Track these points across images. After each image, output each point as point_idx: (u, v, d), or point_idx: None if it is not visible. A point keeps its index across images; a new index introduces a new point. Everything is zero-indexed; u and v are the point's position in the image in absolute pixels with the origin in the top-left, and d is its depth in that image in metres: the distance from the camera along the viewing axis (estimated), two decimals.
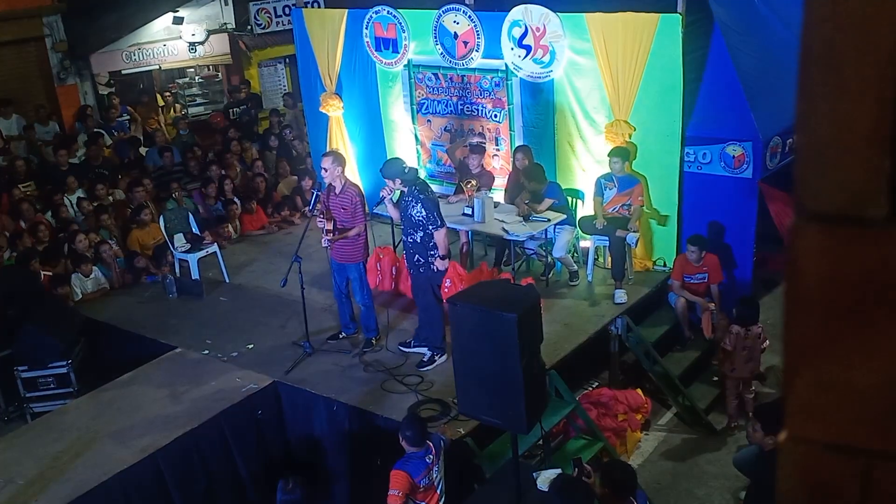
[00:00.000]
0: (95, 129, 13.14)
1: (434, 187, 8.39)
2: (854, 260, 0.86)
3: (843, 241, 0.86)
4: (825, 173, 0.87)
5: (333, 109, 11.04)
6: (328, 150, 10.17)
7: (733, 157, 8.35)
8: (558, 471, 5.63)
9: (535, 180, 8.71)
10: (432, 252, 7.28)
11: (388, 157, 8.54)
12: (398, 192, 7.48)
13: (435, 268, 7.32)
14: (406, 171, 7.34)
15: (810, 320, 0.90)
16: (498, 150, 9.84)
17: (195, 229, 9.99)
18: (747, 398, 7.94)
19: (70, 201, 10.67)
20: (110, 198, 11.04)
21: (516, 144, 9.43)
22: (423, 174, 10.07)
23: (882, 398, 0.88)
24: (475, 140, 9.81)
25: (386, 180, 7.36)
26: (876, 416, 0.88)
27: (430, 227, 7.17)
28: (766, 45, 8.77)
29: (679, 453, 7.83)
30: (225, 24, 15.65)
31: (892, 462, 0.89)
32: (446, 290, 7.92)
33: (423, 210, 7.15)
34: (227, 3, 15.61)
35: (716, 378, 8.58)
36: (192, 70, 16.07)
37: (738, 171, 8.36)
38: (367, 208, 7.71)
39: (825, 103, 0.85)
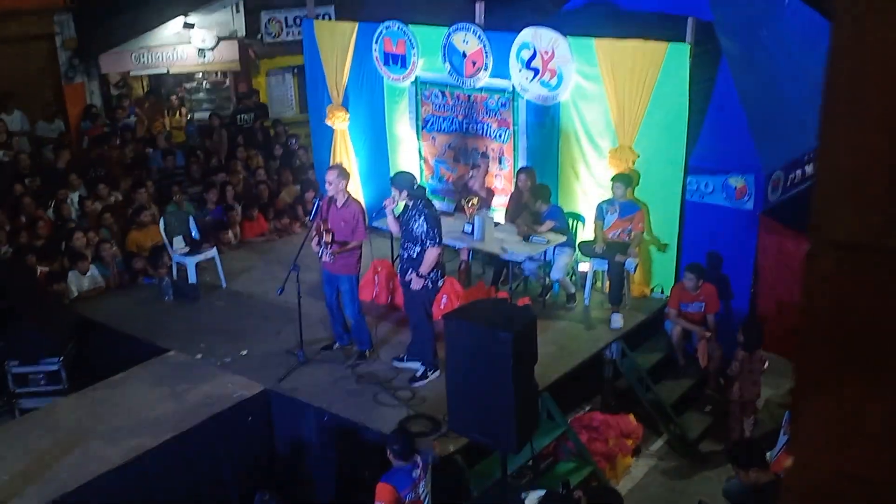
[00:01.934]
0: (104, 131, 13.16)
1: (435, 203, 8.41)
2: (870, 289, 0.86)
3: (860, 270, 0.86)
4: (845, 202, 0.87)
5: (339, 122, 11.07)
6: (333, 163, 10.20)
7: (735, 188, 8.38)
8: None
9: (541, 199, 8.73)
10: (430, 272, 7.28)
11: (395, 172, 8.57)
12: (401, 206, 7.48)
13: (411, 281, 7.30)
14: (415, 186, 7.38)
15: (823, 348, 0.90)
16: (501, 169, 9.87)
17: (195, 233, 9.99)
18: (746, 426, 7.93)
19: (72, 199, 10.68)
20: (112, 198, 11.05)
21: (519, 165, 9.46)
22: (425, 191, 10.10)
23: (891, 429, 0.87)
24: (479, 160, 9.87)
25: (393, 190, 7.37)
26: (884, 448, 0.88)
27: (427, 243, 7.18)
28: (771, 79, 8.82)
29: (668, 481, 7.80)
30: (235, 31, 15.72)
31: None
32: (442, 306, 7.92)
33: (424, 224, 7.16)
34: (238, 11, 15.69)
35: (708, 407, 8.56)
36: (200, 75, 16.12)
37: (740, 202, 8.39)
38: (367, 223, 7.71)
39: (848, 133, 0.86)
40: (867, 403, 0.89)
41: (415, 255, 7.28)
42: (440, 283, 7.53)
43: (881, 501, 0.90)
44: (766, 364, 7.81)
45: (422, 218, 7.18)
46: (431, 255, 7.19)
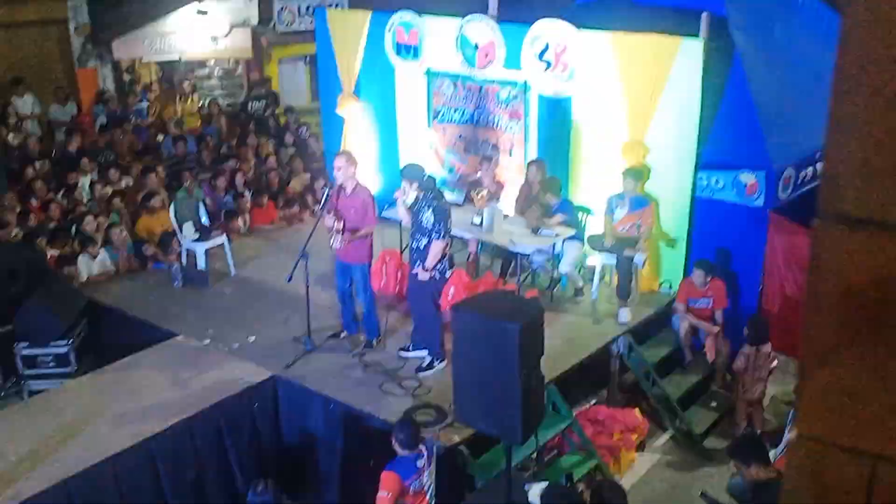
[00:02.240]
0: (118, 115, 13.20)
1: (445, 194, 8.41)
2: (874, 262, 0.87)
3: (866, 245, 0.87)
4: (853, 177, 0.87)
5: (350, 111, 11.07)
6: (342, 150, 10.20)
7: (746, 184, 8.35)
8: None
9: (551, 191, 8.73)
10: (437, 263, 7.29)
11: (405, 163, 8.56)
12: (413, 196, 7.48)
13: (417, 274, 7.32)
14: (425, 177, 7.38)
15: (829, 319, 0.91)
16: (511, 161, 9.85)
17: (205, 219, 10.02)
18: (756, 421, 7.93)
19: (83, 183, 10.72)
20: (122, 182, 11.09)
21: (530, 158, 9.45)
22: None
23: (893, 404, 0.88)
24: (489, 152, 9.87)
25: (403, 182, 7.37)
26: (886, 422, 0.89)
27: (433, 236, 7.19)
28: (785, 76, 8.78)
29: (672, 476, 7.80)
30: (248, 19, 15.72)
31: None
32: (450, 297, 7.92)
33: (431, 217, 7.17)
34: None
35: (714, 403, 8.56)
36: (213, 62, 16.14)
37: (750, 199, 8.36)
38: (377, 211, 7.72)
39: (857, 109, 0.86)
40: (872, 377, 0.90)
41: (422, 247, 7.29)
42: (448, 275, 7.54)
43: (883, 476, 0.91)
44: (776, 362, 7.80)
45: (430, 210, 7.18)
46: (437, 248, 7.20)
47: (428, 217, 7.19)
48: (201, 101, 15.46)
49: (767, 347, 7.72)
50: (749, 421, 8.00)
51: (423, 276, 7.28)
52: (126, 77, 14.97)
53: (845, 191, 0.89)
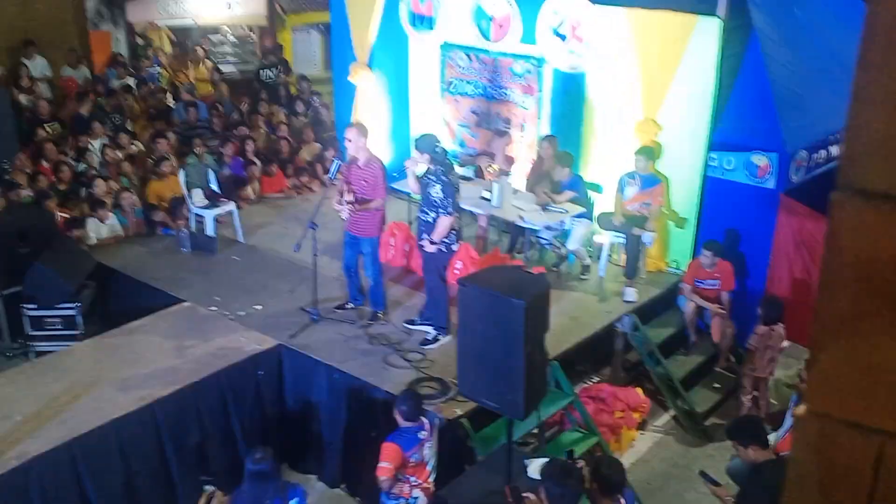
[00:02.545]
0: (125, 81, 13.16)
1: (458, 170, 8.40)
2: (893, 237, 0.86)
3: (884, 219, 0.87)
4: (874, 151, 0.86)
5: (363, 80, 11.02)
6: (353, 121, 10.17)
7: (758, 166, 8.30)
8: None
9: (563, 163, 8.68)
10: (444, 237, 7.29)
11: (417, 134, 8.53)
12: (423, 168, 7.45)
13: (423, 248, 7.31)
14: (437, 149, 7.34)
15: (844, 294, 0.90)
16: (523, 136, 9.81)
17: (215, 186, 10.02)
18: (762, 403, 7.94)
19: (94, 146, 10.72)
20: (133, 147, 11.09)
21: (542, 133, 9.40)
22: None
23: None
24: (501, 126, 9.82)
25: (415, 152, 7.35)
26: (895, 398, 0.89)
27: (441, 211, 7.17)
28: (803, 58, 8.68)
29: (673, 456, 7.83)
30: None
31: None
32: (457, 271, 7.92)
33: (441, 192, 7.14)
34: None
35: (717, 385, 8.57)
36: (226, 28, 16.06)
37: (762, 180, 8.31)
38: (387, 183, 7.69)
39: (881, 84, 0.85)
40: (884, 352, 0.89)
41: (430, 221, 7.27)
42: (454, 248, 7.52)
43: (892, 454, 0.91)
44: (787, 343, 7.78)
45: (439, 185, 7.16)
46: (444, 223, 7.18)
47: (437, 191, 7.17)
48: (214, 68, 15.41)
49: (780, 328, 7.69)
50: (754, 399, 8.01)
51: (430, 248, 7.28)
52: (139, 41, 14.92)
53: (865, 165, 0.88)
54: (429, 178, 7.28)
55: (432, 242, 7.25)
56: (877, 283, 0.88)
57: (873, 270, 0.88)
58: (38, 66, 12.97)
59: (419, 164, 7.41)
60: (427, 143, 7.34)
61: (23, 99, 12.10)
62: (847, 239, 0.90)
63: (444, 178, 7.20)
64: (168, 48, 15.30)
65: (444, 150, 7.63)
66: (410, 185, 7.72)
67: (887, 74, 0.86)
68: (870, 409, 0.91)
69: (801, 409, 0.97)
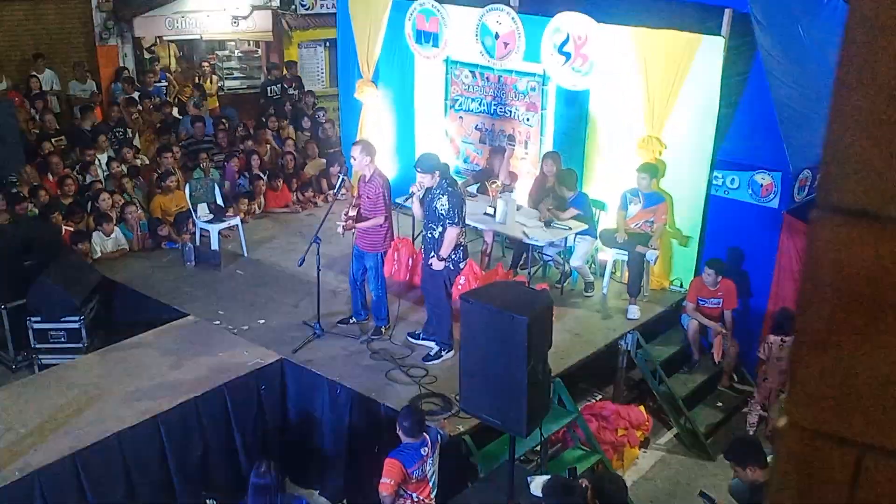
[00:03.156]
0: (131, 95, 13.23)
1: (459, 182, 8.42)
2: (871, 255, 0.88)
3: (862, 237, 0.89)
4: (852, 169, 0.89)
5: (368, 96, 11.08)
6: (359, 138, 10.21)
7: (761, 185, 8.32)
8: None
9: (566, 185, 8.70)
10: (452, 252, 7.28)
11: (421, 151, 8.56)
12: (428, 184, 7.42)
13: (431, 265, 7.31)
14: (441, 164, 7.36)
15: (823, 310, 0.92)
16: (526, 153, 9.85)
17: (220, 201, 10.06)
18: (771, 411, 7.93)
19: (99, 160, 10.78)
20: (137, 161, 11.14)
21: (546, 150, 9.43)
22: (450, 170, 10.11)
23: (882, 394, 0.90)
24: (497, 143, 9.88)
25: (422, 175, 7.25)
26: (874, 411, 0.91)
27: (448, 222, 7.17)
28: (806, 77, 8.71)
29: (675, 475, 7.81)
30: (270, 1, 15.71)
31: (884, 456, 0.91)
32: (460, 287, 7.93)
33: (447, 203, 7.14)
34: None
35: (720, 404, 8.56)
36: (233, 43, 16.15)
37: (765, 199, 8.33)
38: (390, 200, 7.69)
39: (859, 98, 0.87)
40: (862, 366, 0.91)
41: (437, 236, 7.27)
42: (462, 265, 7.52)
43: (869, 466, 0.92)
44: None
45: (445, 196, 7.17)
46: (451, 234, 7.17)
47: (443, 203, 7.16)
48: (220, 83, 15.50)
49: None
50: (761, 418, 8.02)
51: (438, 265, 7.27)
52: (147, 55, 15.01)
53: (844, 182, 0.90)
54: (433, 193, 7.28)
55: (441, 259, 7.24)
56: (855, 298, 0.91)
57: (851, 286, 0.91)
58: (47, 79, 13.05)
59: (424, 187, 7.36)
60: (430, 162, 7.32)
61: (33, 112, 12.16)
62: (826, 256, 0.92)
63: (449, 189, 7.21)
64: (175, 63, 15.39)
65: (447, 166, 7.64)
66: (414, 211, 7.66)
67: (864, 95, 0.88)
68: (848, 422, 0.93)
69: (782, 421, 0.99)
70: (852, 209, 0.90)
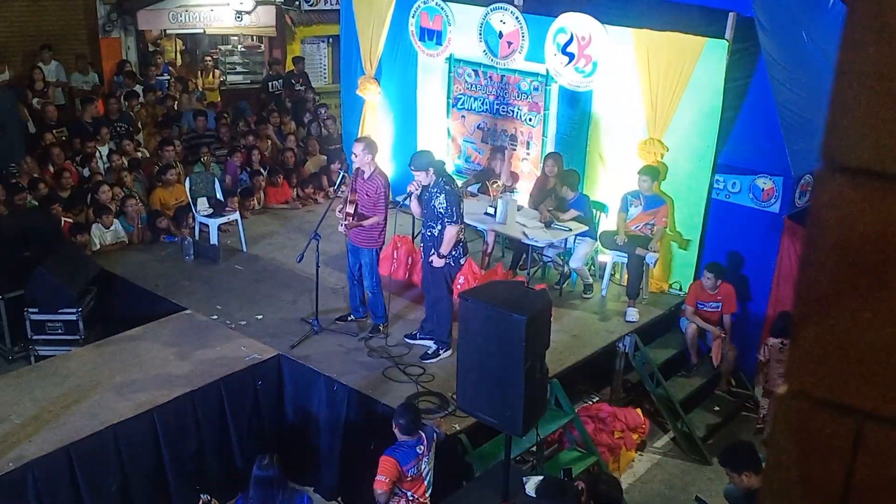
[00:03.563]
0: (133, 88, 13.21)
1: (459, 182, 8.41)
2: (875, 214, 0.86)
3: (866, 196, 0.87)
4: (857, 127, 0.87)
5: (370, 93, 11.07)
6: (361, 135, 10.19)
7: (763, 189, 8.31)
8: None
9: (568, 185, 8.69)
10: (452, 249, 7.27)
11: (418, 150, 8.55)
12: (425, 182, 7.42)
13: (431, 261, 7.31)
14: (436, 161, 7.35)
15: (826, 271, 0.90)
16: (528, 153, 9.83)
17: (220, 195, 10.05)
18: (769, 418, 7.94)
19: (100, 153, 10.76)
20: (138, 154, 11.13)
21: (547, 151, 9.42)
22: (450, 169, 10.09)
23: (884, 361, 0.88)
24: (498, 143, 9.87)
25: (417, 173, 7.26)
26: (876, 378, 0.88)
27: (447, 221, 7.16)
28: (810, 82, 8.70)
29: (671, 478, 7.80)
30: None
31: (884, 424, 0.89)
32: (460, 286, 7.92)
33: (444, 202, 7.14)
34: None
35: (717, 408, 8.55)
36: (236, 38, 16.14)
37: (766, 204, 8.32)
38: (390, 198, 7.68)
39: (869, 53, 0.86)
40: (864, 331, 0.89)
41: (436, 234, 7.27)
42: (462, 261, 7.51)
43: (870, 434, 0.90)
44: None
45: (442, 195, 7.16)
46: (451, 232, 7.17)
47: (441, 202, 7.16)
48: (223, 77, 15.48)
49: None
50: (764, 418, 8.03)
51: (438, 262, 7.26)
52: (150, 48, 15.00)
53: (848, 140, 0.88)
54: (431, 192, 7.27)
55: (441, 256, 7.23)
56: (858, 261, 0.89)
57: (855, 248, 0.89)
58: (52, 70, 13.03)
59: (421, 186, 7.35)
60: (424, 160, 7.30)
61: (35, 103, 12.15)
62: (829, 216, 0.90)
63: (446, 187, 7.20)
64: (178, 57, 15.37)
65: (443, 163, 7.62)
66: (413, 209, 7.66)
67: (871, 51, 0.86)
68: (849, 389, 0.91)
69: (782, 388, 0.97)
70: (858, 167, 0.88)
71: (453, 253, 7.28)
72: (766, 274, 8.47)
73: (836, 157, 0.89)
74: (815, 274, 0.92)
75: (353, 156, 7.55)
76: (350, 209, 7.47)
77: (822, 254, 0.91)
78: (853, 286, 0.89)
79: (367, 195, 7.49)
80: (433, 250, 7.30)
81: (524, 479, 5.64)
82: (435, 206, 7.21)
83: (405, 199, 7.70)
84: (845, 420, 0.91)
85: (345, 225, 7.51)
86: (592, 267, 9.17)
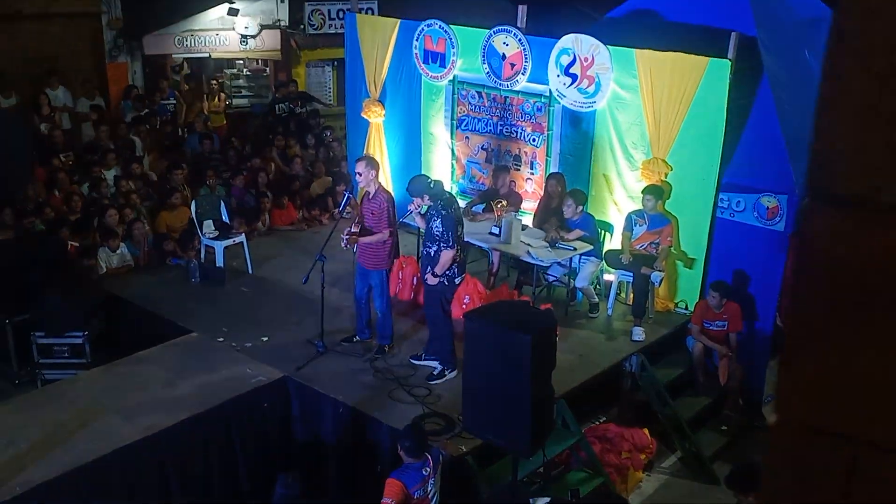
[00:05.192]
0: (142, 113, 13.29)
1: (463, 203, 8.43)
2: (865, 244, 0.87)
3: (857, 225, 0.87)
4: (845, 156, 0.88)
5: (375, 116, 11.12)
6: (363, 154, 10.24)
7: (767, 208, 8.31)
8: None
9: (575, 200, 8.68)
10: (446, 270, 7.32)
11: (418, 173, 8.62)
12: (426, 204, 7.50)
13: (426, 280, 7.36)
14: (431, 185, 7.39)
15: (818, 301, 0.90)
16: (532, 174, 9.86)
17: (225, 218, 10.08)
18: None
19: (106, 177, 10.82)
20: (147, 175, 11.18)
21: (551, 171, 9.45)
22: (454, 189, 10.13)
23: (878, 389, 0.88)
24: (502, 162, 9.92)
25: (413, 198, 7.41)
26: (869, 407, 0.89)
27: (443, 245, 7.21)
28: (812, 99, 8.68)
29: (679, 498, 7.74)
30: (279, 20, 15.82)
31: (879, 453, 0.89)
32: (465, 306, 7.93)
33: (440, 226, 7.20)
34: (282, 1, 15.80)
35: (725, 427, 8.50)
36: (241, 62, 16.25)
37: (771, 222, 8.31)
38: (395, 216, 7.73)
39: (852, 85, 0.87)
40: (857, 359, 0.89)
41: (432, 254, 7.33)
42: (457, 281, 7.53)
43: (865, 461, 0.90)
44: None
45: (439, 219, 7.21)
46: (446, 256, 7.22)
47: (437, 225, 7.23)
48: (228, 101, 15.57)
49: None
50: None
51: (432, 281, 7.32)
52: (174, 76, 15.10)
53: (835, 171, 0.89)
54: (430, 214, 7.36)
55: (434, 275, 7.28)
56: (849, 289, 0.89)
57: (845, 277, 0.89)
58: (59, 96, 13.12)
59: (421, 206, 7.47)
60: (419, 186, 7.40)
61: (43, 128, 12.22)
62: (819, 246, 0.91)
63: (443, 212, 7.24)
64: (183, 81, 15.48)
65: (441, 184, 7.66)
66: (419, 223, 7.80)
67: (853, 83, 0.87)
68: (843, 417, 0.91)
69: (773, 417, 0.97)
70: (847, 198, 0.89)
71: (447, 273, 7.32)
72: (772, 292, 8.44)
73: (824, 188, 0.90)
74: (807, 304, 0.92)
75: (357, 175, 7.59)
76: (356, 228, 7.52)
77: (812, 284, 0.92)
78: (843, 315, 0.90)
79: (371, 213, 7.53)
80: (429, 268, 7.34)
81: (531, 500, 5.62)
82: (432, 228, 7.27)
83: (407, 215, 7.79)
84: (840, 448, 0.91)
85: (346, 240, 7.54)
86: (598, 286, 9.16)
